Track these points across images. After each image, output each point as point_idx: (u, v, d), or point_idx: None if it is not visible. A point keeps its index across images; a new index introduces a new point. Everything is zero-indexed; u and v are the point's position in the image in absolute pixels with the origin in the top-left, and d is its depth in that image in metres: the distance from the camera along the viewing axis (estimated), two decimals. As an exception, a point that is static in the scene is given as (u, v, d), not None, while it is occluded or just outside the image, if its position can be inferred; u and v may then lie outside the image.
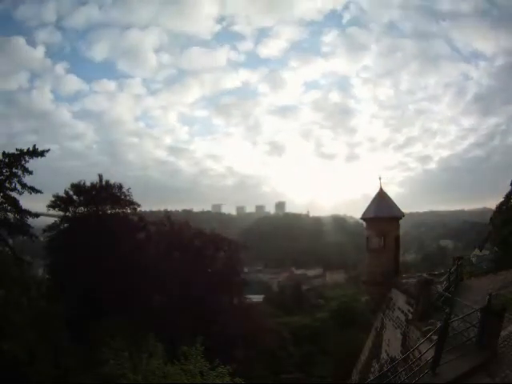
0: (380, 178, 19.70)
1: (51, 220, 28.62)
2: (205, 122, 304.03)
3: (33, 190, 21.38)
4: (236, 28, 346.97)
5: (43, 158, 21.46)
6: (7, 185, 20.77)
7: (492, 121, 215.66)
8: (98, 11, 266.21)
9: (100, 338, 14.54)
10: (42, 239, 28.01)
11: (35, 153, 21.18)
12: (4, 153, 20.66)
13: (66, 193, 28.38)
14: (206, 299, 28.20)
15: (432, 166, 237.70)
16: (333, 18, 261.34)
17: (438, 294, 12.06)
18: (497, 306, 8.37)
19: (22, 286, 18.18)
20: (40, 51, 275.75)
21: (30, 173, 21.17)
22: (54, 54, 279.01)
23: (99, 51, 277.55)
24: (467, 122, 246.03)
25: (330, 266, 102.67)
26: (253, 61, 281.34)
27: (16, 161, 20.69)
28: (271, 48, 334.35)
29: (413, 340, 11.81)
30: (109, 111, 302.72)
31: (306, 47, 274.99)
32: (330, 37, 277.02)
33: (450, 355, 8.22)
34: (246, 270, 51.97)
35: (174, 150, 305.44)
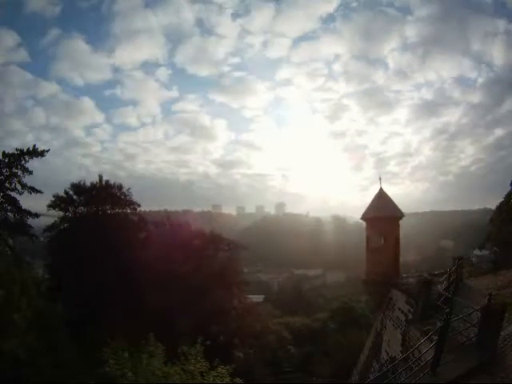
0: (380, 178, 19.67)
1: (51, 220, 28.61)
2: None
3: (33, 189, 21.40)
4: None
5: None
6: (7, 185, 20.79)
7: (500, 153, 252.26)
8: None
9: (100, 337, 14.50)
10: (42, 239, 28.00)
11: (35, 153, 21.22)
12: (4, 153, 20.69)
13: (66, 193, 28.39)
14: (206, 299, 28.19)
15: (450, 177, 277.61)
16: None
17: (438, 294, 12.06)
18: (497, 306, 8.37)
19: (22, 286, 18.18)
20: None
21: (30, 173, 21.22)
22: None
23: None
24: (483, 155, 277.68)
25: (329, 266, 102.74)
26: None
27: (16, 161, 20.72)
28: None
29: (413, 340, 11.81)
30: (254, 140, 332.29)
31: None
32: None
33: (450, 355, 8.22)
34: (245, 270, 51.95)
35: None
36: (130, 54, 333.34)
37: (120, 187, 29.77)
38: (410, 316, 13.41)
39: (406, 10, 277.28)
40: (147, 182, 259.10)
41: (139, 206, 30.59)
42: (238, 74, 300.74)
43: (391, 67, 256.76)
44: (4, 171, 20.67)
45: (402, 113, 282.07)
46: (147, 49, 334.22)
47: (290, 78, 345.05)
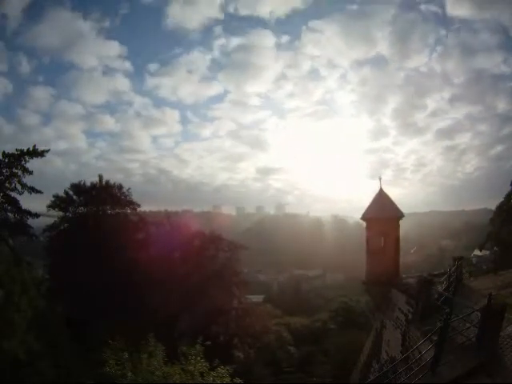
0: (380, 178, 19.64)
1: (51, 220, 28.61)
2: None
3: (33, 190, 21.44)
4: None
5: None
6: (7, 185, 20.82)
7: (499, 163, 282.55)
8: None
9: (100, 337, 14.51)
10: (41, 239, 28.00)
11: (35, 153, 21.24)
12: (4, 153, 20.71)
13: (66, 193, 28.38)
14: (206, 299, 28.19)
15: (456, 182, 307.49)
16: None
17: (438, 294, 12.05)
18: (497, 306, 8.37)
19: (22, 286, 18.18)
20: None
21: (30, 173, 21.25)
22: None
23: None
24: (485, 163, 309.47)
25: (330, 267, 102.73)
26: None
27: (16, 161, 20.74)
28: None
29: (413, 340, 11.80)
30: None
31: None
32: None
33: (450, 355, 8.22)
34: (245, 270, 51.94)
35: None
36: (240, 83, 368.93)
37: (120, 187, 29.77)
38: (410, 316, 13.40)
39: (446, 77, 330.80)
40: (182, 186, 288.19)
41: (139, 206, 30.64)
42: (320, 107, 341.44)
43: (429, 110, 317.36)
44: (4, 171, 20.70)
45: (426, 137, 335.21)
46: (259, 81, 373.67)
47: (358, 114, 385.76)
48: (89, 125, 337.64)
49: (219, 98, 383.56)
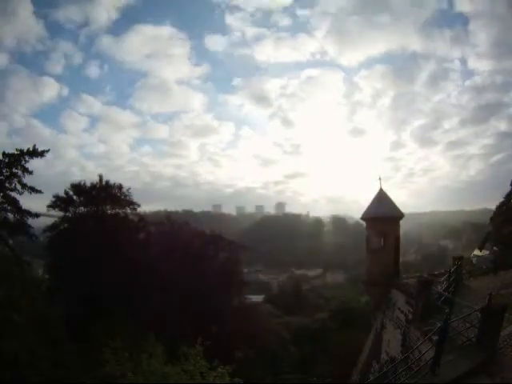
0: (380, 179, 19.64)
1: (51, 220, 28.62)
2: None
3: (33, 190, 21.39)
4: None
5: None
6: (7, 185, 20.78)
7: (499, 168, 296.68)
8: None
9: (100, 337, 14.51)
10: (41, 239, 27.99)
11: (35, 153, 21.21)
12: (4, 153, 20.68)
13: (66, 193, 28.38)
14: (206, 299, 28.19)
15: (458, 184, 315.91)
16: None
17: (438, 294, 12.06)
18: (497, 306, 8.38)
19: (22, 286, 18.16)
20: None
21: (30, 173, 21.20)
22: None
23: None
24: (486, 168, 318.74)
25: (330, 267, 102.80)
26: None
27: (16, 161, 20.71)
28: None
29: (413, 340, 11.82)
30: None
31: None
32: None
33: (449, 355, 8.23)
34: (245, 270, 52.05)
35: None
36: (300, 108, 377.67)
37: (120, 187, 29.75)
38: (410, 316, 13.41)
39: (461, 106, 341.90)
40: (205, 188, 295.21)
41: (139, 206, 30.62)
42: (357, 125, 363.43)
43: (443, 128, 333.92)
44: (4, 171, 20.67)
45: (437, 148, 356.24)
46: (317, 109, 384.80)
47: (384, 131, 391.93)
48: (140, 132, 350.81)
49: (275, 116, 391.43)
